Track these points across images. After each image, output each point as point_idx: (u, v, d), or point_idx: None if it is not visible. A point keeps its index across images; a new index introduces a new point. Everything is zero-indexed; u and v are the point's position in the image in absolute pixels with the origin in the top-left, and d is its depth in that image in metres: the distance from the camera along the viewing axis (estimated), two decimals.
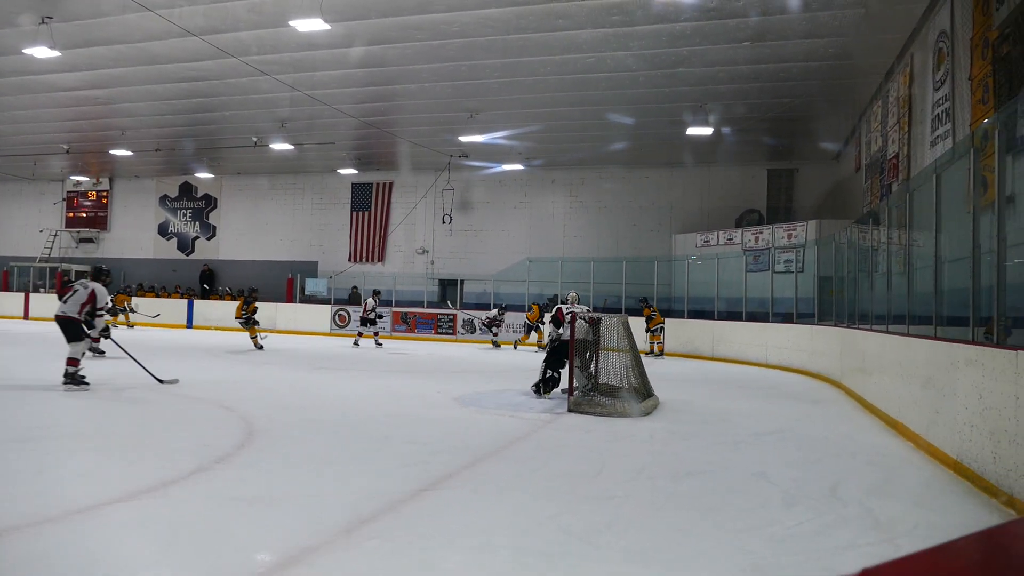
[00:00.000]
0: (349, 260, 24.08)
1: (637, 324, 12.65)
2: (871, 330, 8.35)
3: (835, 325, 11.30)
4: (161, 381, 8.59)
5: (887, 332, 7.52)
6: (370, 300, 17.36)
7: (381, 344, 17.66)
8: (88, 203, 27.43)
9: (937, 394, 5.50)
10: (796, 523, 3.80)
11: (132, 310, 21.53)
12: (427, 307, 21.56)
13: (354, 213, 24.25)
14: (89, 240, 27.59)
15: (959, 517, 4.08)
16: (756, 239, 17.34)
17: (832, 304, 12.27)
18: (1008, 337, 4.63)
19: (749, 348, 15.01)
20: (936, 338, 5.76)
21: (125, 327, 20.99)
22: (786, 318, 14.45)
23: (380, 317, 18.24)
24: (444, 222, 22.87)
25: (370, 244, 24.01)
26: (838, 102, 15.06)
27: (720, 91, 14.66)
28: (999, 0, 7.02)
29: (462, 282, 22.79)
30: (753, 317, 15.57)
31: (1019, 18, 6.56)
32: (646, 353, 16.26)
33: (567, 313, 8.49)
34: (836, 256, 11.90)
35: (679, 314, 17.90)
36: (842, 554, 3.33)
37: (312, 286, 23.46)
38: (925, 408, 5.87)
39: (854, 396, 9.26)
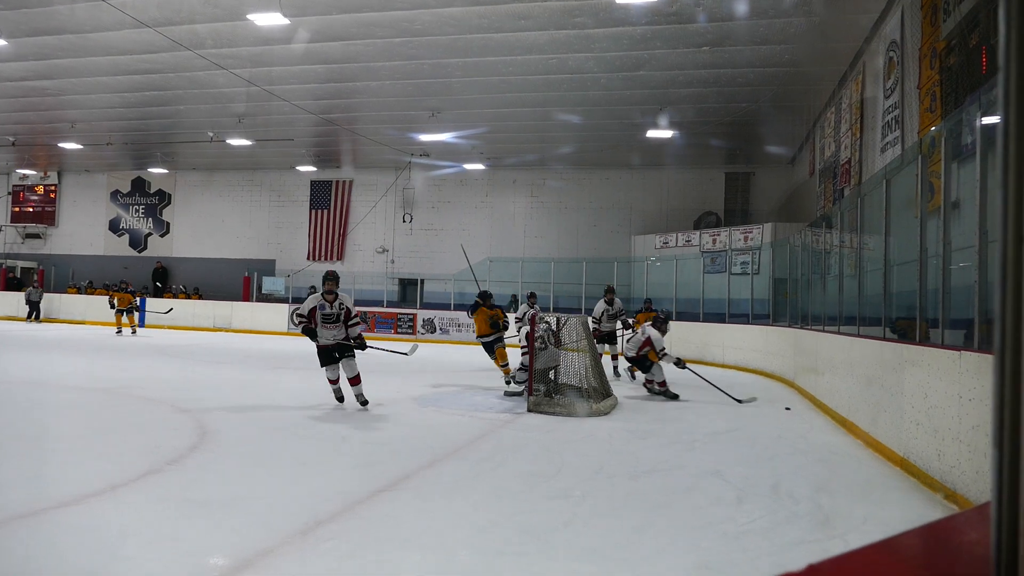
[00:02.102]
0: (308, 258, 23.76)
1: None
2: (823, 331, 8.55)
3: (789, 326, 11.53)
4: (739, 401, 8.72)
5: (838, 333, 7.70)
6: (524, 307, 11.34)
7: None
8: (35, 197, 26.57)
9: (885, 393, 5.65)
10: (748, 520, 3.87)
11: (138, 308, 19.80)
12: (387, 306, 21.38)
13: (313, 211, 23.94)
14: (36, 236, 26.74)
15: (904, 512, 4.21)
16: (714, 241, 17.62)
17: (786, 305, 12.52)
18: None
19: (706, 348, 15.23)
20: (884, 339, 5.92)
21: (129, 329, 18.81)
22: (742, 319, 14.71)
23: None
24: (404, 221, 22.72)
25: (329, 242, 23.73)
26: (793, 108, 15.39)
27: (679, 95, 14.86)
28: (946, 12, 7.25)
29: (422, 281, 22.68)
30: (710, 318, 15.81)
31: (964, 30, 6.79)
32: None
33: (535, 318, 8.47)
34: (790, 259, 12.14)
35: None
36: (792, 550, 3.41)
37: (269, 284, 23.07)
38: (873, 407, 6.04)
39: (807, 395, 9.47)
